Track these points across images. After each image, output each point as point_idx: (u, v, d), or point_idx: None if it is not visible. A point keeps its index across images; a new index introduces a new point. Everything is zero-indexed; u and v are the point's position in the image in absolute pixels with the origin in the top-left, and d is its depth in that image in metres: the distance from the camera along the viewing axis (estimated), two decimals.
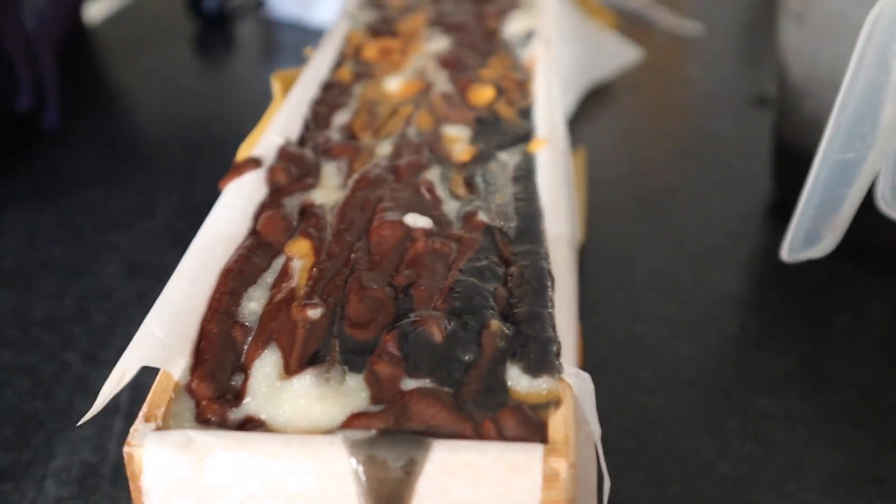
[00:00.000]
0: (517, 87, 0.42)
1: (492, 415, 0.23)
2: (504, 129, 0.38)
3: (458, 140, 0.37)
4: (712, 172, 0.55)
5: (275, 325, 0.26)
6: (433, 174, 0.35)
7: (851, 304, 0.43)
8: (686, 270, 0.45)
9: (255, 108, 0.46)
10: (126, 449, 0.23)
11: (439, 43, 0.47)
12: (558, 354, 0.25)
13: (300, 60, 0.48)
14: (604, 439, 0.25)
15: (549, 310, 0.27)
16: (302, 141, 0.37)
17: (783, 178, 0.49)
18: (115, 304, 0.43)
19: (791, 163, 0.47)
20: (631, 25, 0.74)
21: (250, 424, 0.24)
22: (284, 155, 0.35)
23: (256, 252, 0.30)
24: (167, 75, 0.69)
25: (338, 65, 0.45)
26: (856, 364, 0.39)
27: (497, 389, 0.24)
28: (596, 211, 0.49)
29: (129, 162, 0.57)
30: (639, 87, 0.66)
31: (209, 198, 0.34)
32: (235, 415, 0.24)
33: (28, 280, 0.45)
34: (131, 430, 0.23)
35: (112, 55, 0.74)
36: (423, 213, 0.32)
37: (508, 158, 0.36)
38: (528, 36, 0.48)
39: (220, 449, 0.22)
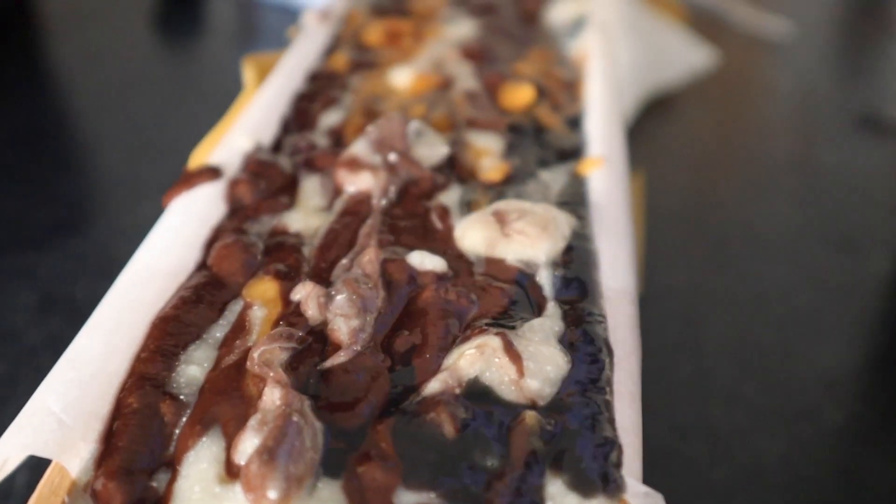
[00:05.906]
0: (563, 89, 0.40)
1: None
2: (546, 142, 0.36)
3: (487, 153, 0.35)
4: (805, 210, 0.53)
5: (220, 402, 0.24)
6: (451, 197, 0.32)
7: None
8: (771, 337, 0.43)
9: (222, 104, 0.45)
10: None
11: (463, 27, 0.46)
12: (619, 464, 0.23)
13: (283, 46, 0.46)
14: None
15: (607, 397, 0.25)
16: (277, 146, 0.35)
17: None
18: (21, 349, 0.41)
19: None
20: (703, 23, 0.74)
21: None
22: (252, 164, 0.33)
23: (204, 295, 0.27)
24: (117, 57, 0.68)
25: (331, 49, 0.43)
26: None
27: None
28: (654, 254, 0.47)
29: (55, 163, 0.55)
30: (711, 98, 0.65)
31: (157, 215, 0.33)
32: None
33: None
34: None
35: (52, 29, 0.73)
36: (433, 251, 0.29)
37: (551, 180, 0.34)
38: (578, 24, 0.46)
39: None
